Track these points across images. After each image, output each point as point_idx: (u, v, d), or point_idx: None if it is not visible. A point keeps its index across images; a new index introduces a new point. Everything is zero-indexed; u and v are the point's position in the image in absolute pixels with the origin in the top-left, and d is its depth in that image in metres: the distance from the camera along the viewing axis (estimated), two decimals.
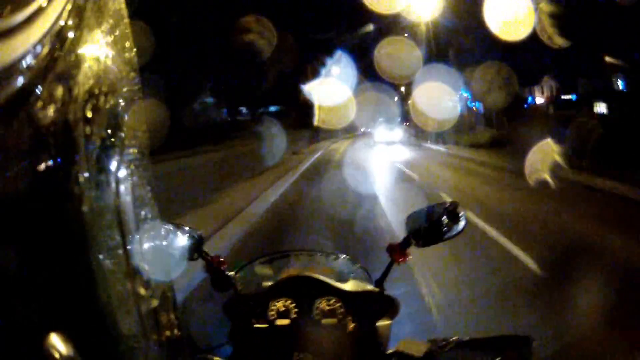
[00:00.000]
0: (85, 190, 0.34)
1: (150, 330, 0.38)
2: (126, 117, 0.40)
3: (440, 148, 21.03)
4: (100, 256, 0.34)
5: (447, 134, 22.63)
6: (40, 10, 0.31)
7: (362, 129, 44.45)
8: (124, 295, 0.37)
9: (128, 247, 0.37)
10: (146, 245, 0.38)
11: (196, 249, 1.12)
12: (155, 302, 0.39)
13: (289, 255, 1.26)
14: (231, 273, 1.12)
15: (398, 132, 26.59)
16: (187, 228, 1.14)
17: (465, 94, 23.46)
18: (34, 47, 0.30)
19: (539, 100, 27.45)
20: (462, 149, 18.89)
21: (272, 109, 28.84)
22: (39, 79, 0.31)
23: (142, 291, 0.38)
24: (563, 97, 25.36)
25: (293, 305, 1.03)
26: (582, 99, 21.70)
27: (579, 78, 23.72)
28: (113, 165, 0.37)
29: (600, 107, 19.49)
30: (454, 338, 0.85)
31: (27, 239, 0.30)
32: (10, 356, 0.28)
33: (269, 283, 1.09)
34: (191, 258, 1.13)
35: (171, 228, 1.12)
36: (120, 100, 0.39)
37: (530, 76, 24.13)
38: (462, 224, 1.07)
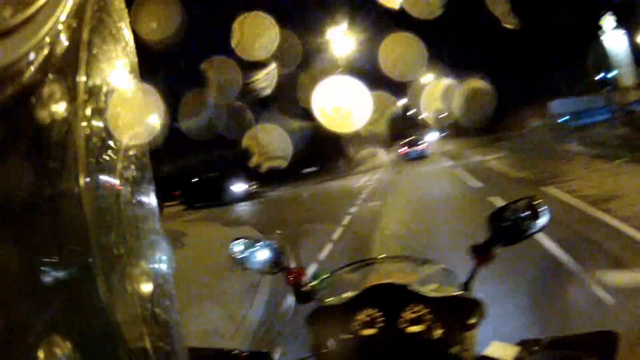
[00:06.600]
0: (85, 191, 0.33)
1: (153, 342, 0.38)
2: (126, 117, 0.39)
3: None
4: (101, 256, 0.34)
5: None
6: (40, 10, 0.31)
7: None
8: (124, 295, 0.36)
9: (128, 246, 0.37)
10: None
11: (277, 262, 1.11)
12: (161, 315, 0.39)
13: (372, 263, 1.22)
14: (314, 284, 1.10)
15: None
16: (267, 242, 1.12)
17: None
18: (34, 46, 0.30)
19: None
20: None
21: None
22: (39, 78, 0.31)
23: (143, 291, 0.38)
24: None
25: (379, 314, 0.98)
26: None
27: None
28: (113, 165, 0.37)
29: None
30: (545, 337, 0.82)
31: (27, 239, 0.30)
32: (11, 356, 0.28)
33: (353, 293, 1.06)
34: (272, 272, 1.12)
35: (252, 242, 1.11)
36: (120, 100, 0.39)
37: None
38: (544, 219, 1.01)
